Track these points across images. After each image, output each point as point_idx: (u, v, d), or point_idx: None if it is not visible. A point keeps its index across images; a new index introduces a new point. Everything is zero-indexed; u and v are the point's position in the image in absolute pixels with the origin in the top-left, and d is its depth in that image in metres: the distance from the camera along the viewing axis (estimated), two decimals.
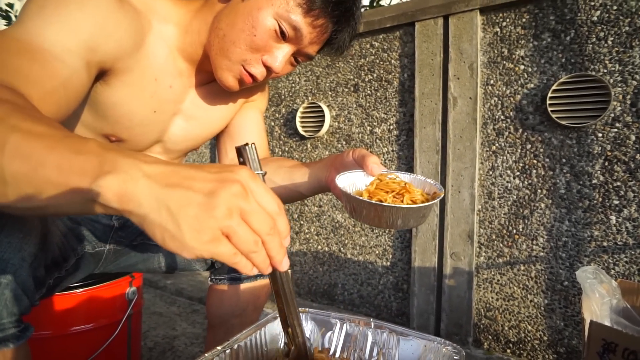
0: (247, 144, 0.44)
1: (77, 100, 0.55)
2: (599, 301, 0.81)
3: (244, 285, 0.84)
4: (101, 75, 0.62)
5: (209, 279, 0.89)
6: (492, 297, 1.36)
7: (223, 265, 0.85)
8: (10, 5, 4.56)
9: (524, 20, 1.28)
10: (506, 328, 1.34)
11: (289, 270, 0.45)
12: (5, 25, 4.56)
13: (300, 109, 1.74)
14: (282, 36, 0.63)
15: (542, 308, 1.27)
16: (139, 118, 0.68)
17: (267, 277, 0.87)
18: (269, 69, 0.66)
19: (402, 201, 0.53)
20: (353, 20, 0.67)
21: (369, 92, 1.61)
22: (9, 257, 0.50)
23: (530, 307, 1.29)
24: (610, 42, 1.14)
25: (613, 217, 1.15)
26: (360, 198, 0.52)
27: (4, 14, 4.46)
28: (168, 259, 0.88)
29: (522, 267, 1.30)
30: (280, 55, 0.65)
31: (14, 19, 4.41)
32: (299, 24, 0.62)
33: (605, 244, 1.17)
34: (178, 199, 0.33)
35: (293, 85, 1.83)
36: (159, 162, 0.35)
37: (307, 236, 1.80)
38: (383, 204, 0.51)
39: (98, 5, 0.55)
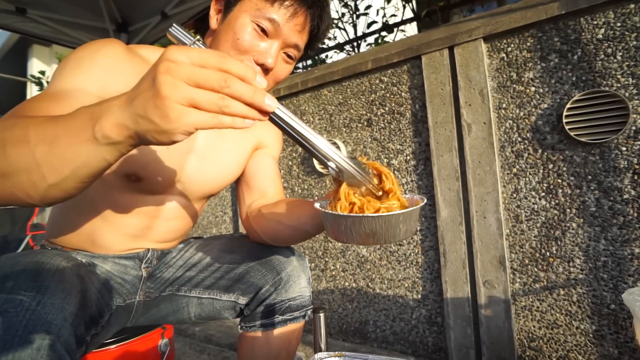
0: (172, 26, 0.49)
1: None
2: None
3: (275, 331, 0.83)
4: None
5: (239, 326, 0.88)
6: (534, 326, 1.28)
7: (253, 312, 0.84)
8: (42, 73, 4.97)
9: (528, 44, 1.30)
10: (554, 359, 1.25)
11: (280, 107, 0.45)
12: (38, 90, 4.95)
13: None
14: (264, 33, 0.69)
15: (591, 335, 1.19)
16: (152, 153, 0.73)
17: (300, 319, 0.86)
18: (264, 67, 0.71)
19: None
20: None
21: (382, 125, 1.64)
22: (52, 318, 0.52)
23: (577, 334, 1.21)
24: (619, 57, 1.15)
25: None
26: (338, 213, 0.49)
27: (37, 80, 4.85)
28: (197, 308, 0.88)
29: (562, 292, 1.23)
30: (270, 50, 0.70)
31: (45, 84, 4.79)
32: (272, 15, 0.68)
33: None
34: (140, 104, 0.40)
35: (307, 124, 1.88)
36: (120, 95, 0.43)
37: (333, 273, 1.77)
38: (363, 214, 0.47)
39: (107, 54, 0.66)
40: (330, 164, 0.50)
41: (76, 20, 2.19)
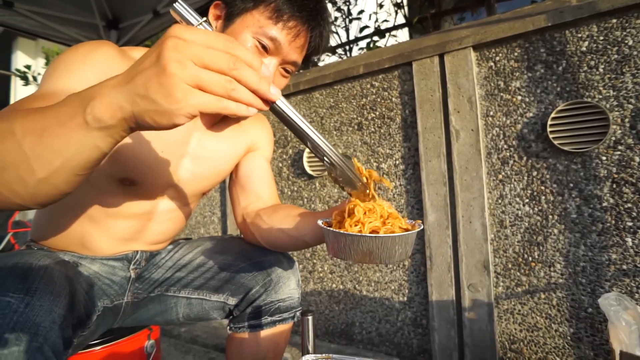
0: (177, 2, 0.47)
1: None
2: (627, 330, 0.80)
3: (263, 333, 0.84)
4: None
5: (228, 327, 0.88)
6: (516, 329, 1.32)
7: (242, 313, 0.85)
8: (28, 67, 4.85)
9: (516, 54, 1.34)
10: None
11: (282, 98, 0.46)
12: (23, 85, 4.83)
13: (307, 149, 1.79)
14: (265, 49, 0.70)
15: (569, 337, 1.23)
16: (147, 158, 0.72)
17: (289, 320, 0.87)
18: None
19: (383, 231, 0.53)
20: (321, 19, 0.74)
21: (372, 129, 1.66)
22: (40, 320, 0.52)
23: (556, 337, 1.25)
24: (601, 70, 1.19)
25: (629, 239, 1.14)
26: (339, 231, 0.51)
27: (22, 74, 4.74)
28: (186, 309, 0.89)
29: (543, 296, 1.27)
30: (268, 67, 0.70)
31: (30, 79, 4.67)
32: (274, 34, 0.69)
33: (624, 267, 1.15)
34: (141, 82, 0.38)
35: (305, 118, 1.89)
36: (113, 77, 0.41)
37: (321, 275, 1.79)
38: (361, 234, 0.50)
39: (99, 56, 0.65)
40: (325, 158, 0.55)
41: (65, 16, 2.16)
